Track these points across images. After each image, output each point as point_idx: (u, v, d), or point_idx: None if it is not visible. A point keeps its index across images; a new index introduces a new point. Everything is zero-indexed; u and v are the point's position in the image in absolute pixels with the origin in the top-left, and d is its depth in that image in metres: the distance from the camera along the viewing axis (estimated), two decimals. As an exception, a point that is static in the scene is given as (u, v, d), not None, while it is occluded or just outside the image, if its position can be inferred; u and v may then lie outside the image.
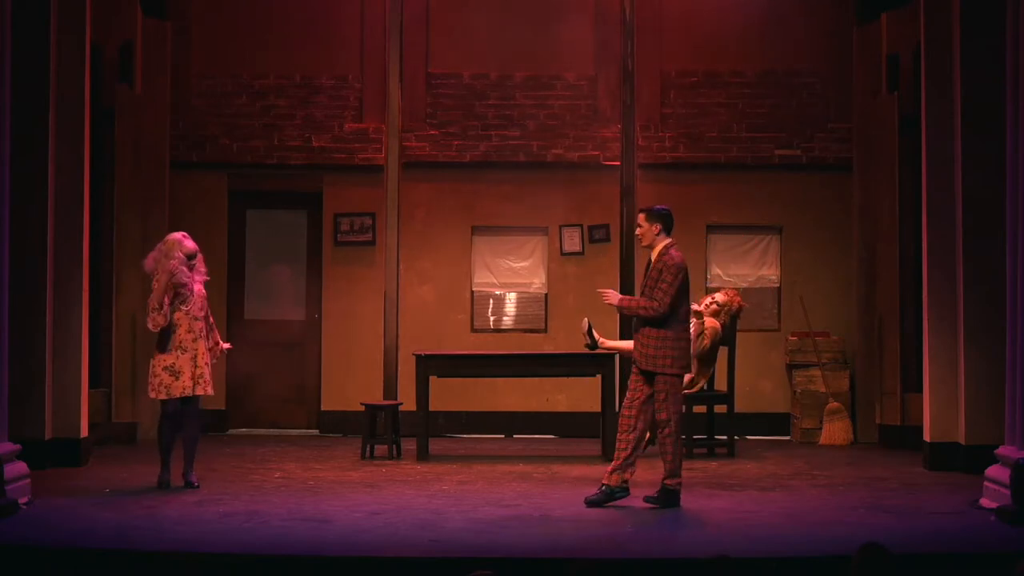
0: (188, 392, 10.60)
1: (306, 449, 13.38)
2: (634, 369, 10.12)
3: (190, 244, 10.75)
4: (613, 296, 10.33)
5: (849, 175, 14.70)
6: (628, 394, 10.12)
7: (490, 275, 15.30)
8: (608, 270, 14.77)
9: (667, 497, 10.00)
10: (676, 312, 10.02)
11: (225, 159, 15.09)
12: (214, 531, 8.90)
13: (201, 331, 10.68)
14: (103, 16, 13.04)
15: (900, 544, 7.41)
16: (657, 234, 10.09)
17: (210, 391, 10.77)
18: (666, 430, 9.96)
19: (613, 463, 10.06)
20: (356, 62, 15.21)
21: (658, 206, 10.31)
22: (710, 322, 13.10)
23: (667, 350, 9.97)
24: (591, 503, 9.98)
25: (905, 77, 13.62)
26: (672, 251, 10.06)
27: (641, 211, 10.30)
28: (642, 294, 10.12)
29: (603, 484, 10.05)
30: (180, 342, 10.60)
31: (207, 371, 10.70)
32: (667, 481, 10.03)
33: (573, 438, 14.37)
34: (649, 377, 10.00)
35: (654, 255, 10.10)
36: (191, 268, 10.69)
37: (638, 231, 10.21)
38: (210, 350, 10.81)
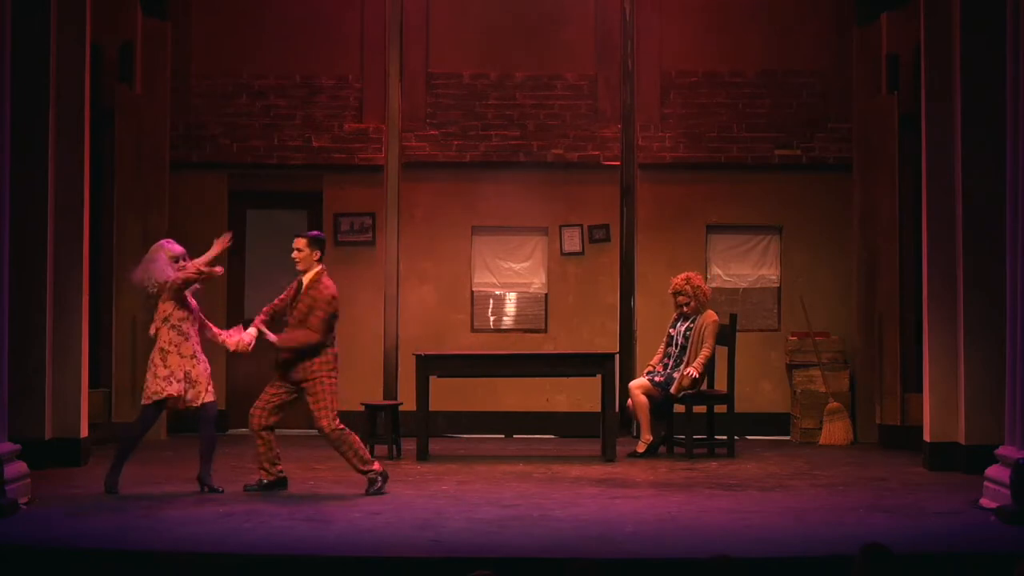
0: (160, 396, 10.37)
1: (306, 449, 13.35)
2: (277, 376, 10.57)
3: (174, 247, 10.64)
4: (271, 337, 10.47)
5: (849, 175, 14.69)
6: (266, 397, 10.57)
7: (490, 275, 15.30)
8: (608, 270, 14.79)
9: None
10: (327, 335, 10.48)
11: (225, 159, 15.09)
12: (214, 531, 8.90)
13: (179, 346, 10.43)
14: (103, 16, 13.03)
15: (900, 544, 7.39)
16: (317, 260, 10.53)
17: (196, 404, 10.49)
18: (335, 434, 10.47)
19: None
20: (356, 62, 15.21)
21: (315, 232, 10.82)
22: (709, 317, 12.97)
23: (324, 362, 10.44)
24: (250, 489, 10.53)
25: (905, 77, 13.60)
26: (324, 279, 10.51)
27: (302, 236, 10.63)
28: (292, 315, 10.51)
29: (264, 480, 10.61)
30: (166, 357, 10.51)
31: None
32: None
33: (573, 438, 14.37)
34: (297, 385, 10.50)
35: (307, 279, 10.52)
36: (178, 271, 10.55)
37: (296, 255, 10.56)
38: (231, 341, 10.63)
